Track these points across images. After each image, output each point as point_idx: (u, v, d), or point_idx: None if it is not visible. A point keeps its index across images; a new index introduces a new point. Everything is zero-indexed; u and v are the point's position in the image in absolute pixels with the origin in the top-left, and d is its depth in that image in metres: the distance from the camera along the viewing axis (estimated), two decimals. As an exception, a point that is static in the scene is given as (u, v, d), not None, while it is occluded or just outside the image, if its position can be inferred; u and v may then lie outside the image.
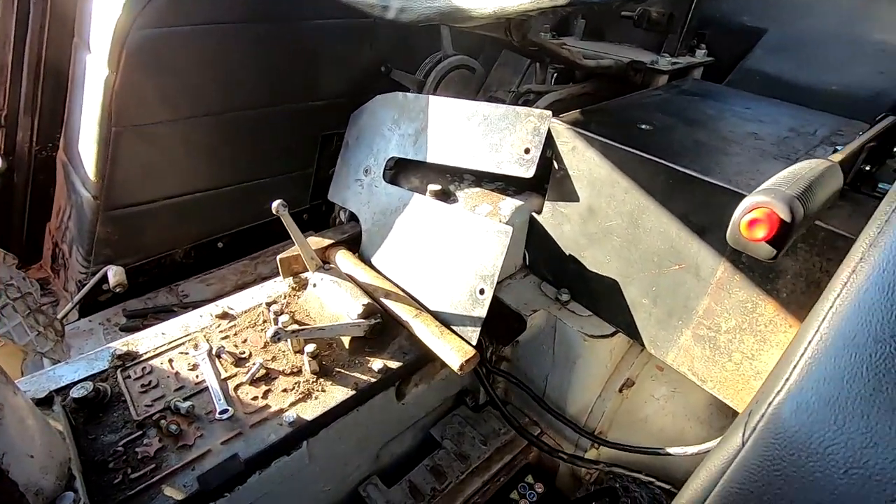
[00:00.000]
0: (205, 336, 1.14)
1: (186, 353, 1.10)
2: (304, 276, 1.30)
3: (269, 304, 1.22)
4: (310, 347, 1.06)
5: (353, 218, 1.43)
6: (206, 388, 1.02)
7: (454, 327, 1.09)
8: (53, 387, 0.99)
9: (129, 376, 1.03)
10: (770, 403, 0.36)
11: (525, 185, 1.23)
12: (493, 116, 1.15)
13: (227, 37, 1.68)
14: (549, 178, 1.16)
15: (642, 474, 1.22)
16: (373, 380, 1.08)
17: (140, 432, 0.93)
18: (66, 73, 1.78)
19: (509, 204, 1.19)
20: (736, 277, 0.90)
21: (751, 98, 1.37)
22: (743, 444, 0.37)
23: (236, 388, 1.03)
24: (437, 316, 1.12)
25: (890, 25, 1.46)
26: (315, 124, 2.09)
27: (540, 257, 1.26)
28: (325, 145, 2.16)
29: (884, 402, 0.32)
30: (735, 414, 1.07)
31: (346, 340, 1.14)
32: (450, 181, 1.29)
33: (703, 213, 0.92)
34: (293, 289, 1.28)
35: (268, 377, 1.06)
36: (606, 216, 1.07)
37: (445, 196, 1.25)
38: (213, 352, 1.10)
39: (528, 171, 1.09)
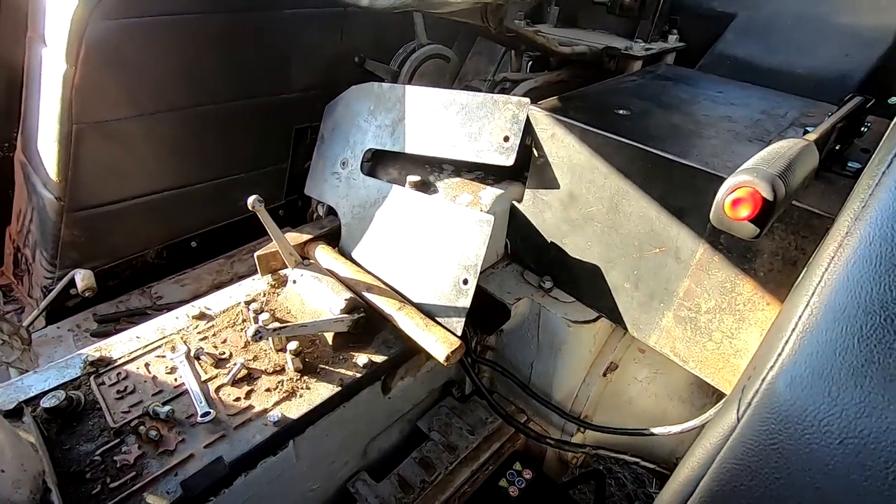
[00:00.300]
0: (182, 338, 1.11)
1: (163, 357, 1.06)
2: (283, 273, 1.27)
3: (248, 303, 1.19)
4: (292, 345, 1.04)
5: (331, 212, 1.40)
6: (186, 391, 0.99)
7: (439, 319, 1.08)
8: (22, 397, 0.94)
9: (103, 383, 1.00)
10: (763, 379, 0.37)
11: (505, 174, 1.23)
12: (471, 105, 1.14)
13: (191, 28, 1.62)
14: (528, 166, 1.15)
15: (628, 455, 1.24)
16: (358, 375, 1.07)
17: (118, 440, 0.90)
18: (21, 69, 1.69)
19: (490, 193, 1.18)
20: (715, 258, 0.92)
21: (722, 82, 1.39)
22: (738, 421, 0.37)
23: (217, 389, 1.00)
24: (420, 308, 1.11)
25: (854, 8, 1.50)
26: (288, 118, 2.04)
27: (522, 245, 1.27)
28: (299, 139, 2.12)
29: (876, 373, 0.33)
30: (716, 392, 1.10)
31: (329, 336, 1.12)
32: (429, 172, 1.28)
33: (682, 195, 0.93)
34: (272, 286, 1.25)
35: (250, 377, 1.04)
36: (587, 202, 1.08)
37: (425, 187, 1.24)
38: (192, 354, 1.07)
39: (508, 160, 1.09)
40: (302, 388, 1.03)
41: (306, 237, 1.32)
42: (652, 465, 1.23)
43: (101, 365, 1.03)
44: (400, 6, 0.81)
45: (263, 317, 1.11)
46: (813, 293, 0.38)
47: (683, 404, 1.25)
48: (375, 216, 1.25)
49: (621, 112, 1.12)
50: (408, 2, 0.80)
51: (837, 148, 0.95)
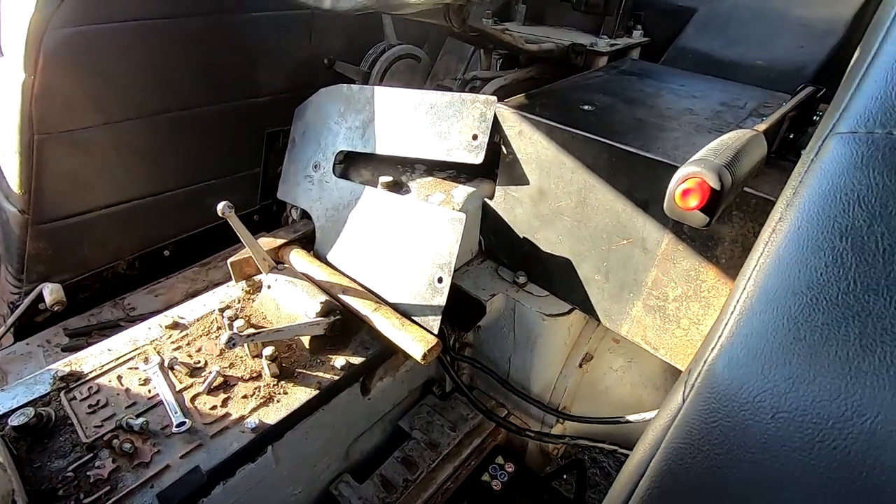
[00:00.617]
0: (155, 348, 1.09)
1: (136, 368, 1.05)
2: (257, 278, 1.26)
3: (222, 310, 1.18)
4: (268, 351, 1.04)
5: (305, 216, 1.40)
6: (161, 402, 0.98)
7: (415, 318, 1.09)
8: (-11, 416, 0.92)
9: (74, 398, 0.98)
10: (705, 361, 0.39)
11: (476, 172, 1.24)
12: (440, 104, 1.15)
13: (154, 33, 1.59)
14: (498, 163, 1.17)
15: (606, 443, 1.27)
16: (336, 377, 1.07)
17: (91, 455, 0.89)
18: (-23, 79, 1.64)
19: (462, 191, 1.19)
20: (679, 248, 0.95)
21: (685, 75, 1.42)
22: (683, 402, 0.39)
23: (193, 398, 1.00)
24: (396, 308, 1.12)
25: (808, 1, 1.55)
26: (258, 121, 2.02)
27: (495, 242, 1.28)
28: (271, 143, 2.09)
29: (802, 350, 0.35)
30: (687, 377, 1.13)
31: (305, 340, 1.11)
32: (401, 172, 1.28)
33: (646, 187, 0.95)
34: (247, 292, 1.25)
35: (226, 385, 1.03)
36: (556, 197, 1.09)
37: (397, 187, 1.24)
38: (166, 364, 1.05)
39: (477, 157, 1.10)
40: (279, 394, 1.02)
41: (280, 242, 1.31)
42: (630, 452, 1.26)
43: (71, 380, 1.01)
44: (361, 8, 0.81)
45: (238, 323, 1.10)
46: (749, 277, 0.40)
47: (658, 391, 1.29)
48: (349, 218, 1.25)
49: (586, 108, 1.14)
50: (368, 4, 0.81)
51: (791, 137, 0.98)
